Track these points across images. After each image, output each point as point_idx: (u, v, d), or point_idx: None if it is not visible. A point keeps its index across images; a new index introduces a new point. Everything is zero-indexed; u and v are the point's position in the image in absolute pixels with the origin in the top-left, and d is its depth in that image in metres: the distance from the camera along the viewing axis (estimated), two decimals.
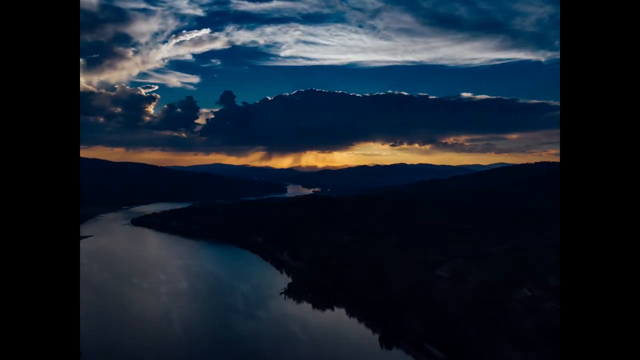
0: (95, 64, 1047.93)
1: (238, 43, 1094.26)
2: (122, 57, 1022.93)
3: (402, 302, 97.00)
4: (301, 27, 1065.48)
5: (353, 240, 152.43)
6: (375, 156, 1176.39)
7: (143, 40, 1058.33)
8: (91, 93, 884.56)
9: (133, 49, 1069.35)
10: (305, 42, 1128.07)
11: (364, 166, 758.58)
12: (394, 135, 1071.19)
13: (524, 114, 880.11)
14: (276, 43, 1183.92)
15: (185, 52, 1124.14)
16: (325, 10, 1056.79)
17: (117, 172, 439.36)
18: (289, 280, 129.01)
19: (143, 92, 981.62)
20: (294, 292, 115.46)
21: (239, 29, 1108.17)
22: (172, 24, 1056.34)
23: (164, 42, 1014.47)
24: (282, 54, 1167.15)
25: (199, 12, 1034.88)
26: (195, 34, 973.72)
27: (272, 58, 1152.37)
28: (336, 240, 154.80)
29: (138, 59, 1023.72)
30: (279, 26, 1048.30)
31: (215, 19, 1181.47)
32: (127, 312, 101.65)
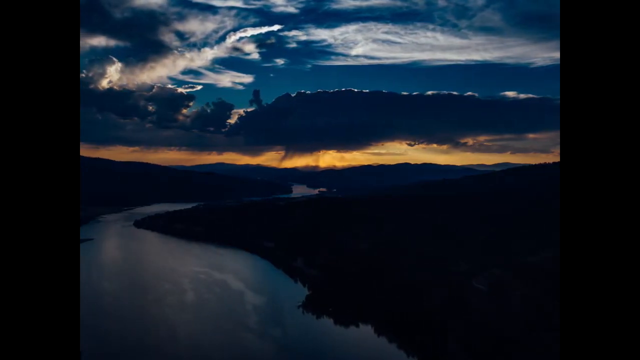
0: (138, 63, 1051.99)
1: (311, 41, 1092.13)
2: (168, 55, 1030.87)
3: (437, 319, 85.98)
4: (383, 25, 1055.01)
5: (372, 246, 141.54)
6: (396, 155, 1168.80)
7: (197, 38, 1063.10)
8: (129, 92, 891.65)
9: (180, 48, 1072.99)
10: (376, 41, 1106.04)
11: (368, 166, 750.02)
12: (416, 135, 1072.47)
13: (557, 113, 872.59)
14: (350, 42, 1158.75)
15: (246, 51, 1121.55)
16: (422, 8, 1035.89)
17: (120, 172, 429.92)
18: (305, 290, 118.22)
19: (183, 91, 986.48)
20: (312, 305, 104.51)
21: (317, 27, 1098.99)
22: (230, 22, 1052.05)
23: (219, 41, 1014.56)
24: (353, 52, 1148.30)
25: (291, 9, 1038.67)
26: (255, 31, 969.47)
27: (333, 57, 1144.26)
28: (353, 247, 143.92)
29: (187, 57, 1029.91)
30: (366, 24, 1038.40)
31: (300, 17, 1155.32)
32: (127, 328, 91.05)
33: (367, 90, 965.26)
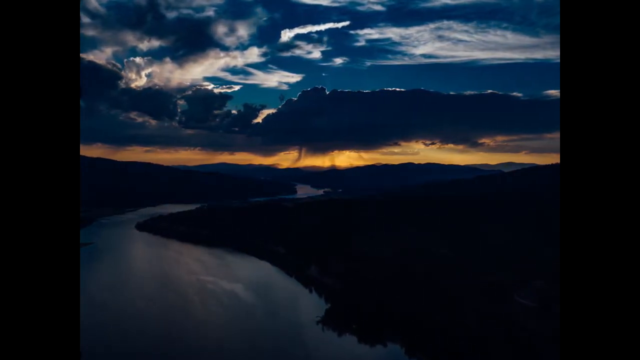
0: (179, 63, 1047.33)
1: (379, 40, 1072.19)
2: (211, 54, 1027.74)
3: (479, 342, 75.78)
4: (462, 24, 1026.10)
5: (392, 252, 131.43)
6: (409, 155, 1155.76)
7: (246, 37, 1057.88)
8: (164, 92, 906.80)
9: (227, 45, 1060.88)
10: (442, 39, 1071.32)
11: (373, 166, 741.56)
12: (434, 134, 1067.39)
13: None
14: (420, 40, 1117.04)
15: (305, 49, 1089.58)
16: (512, 5, 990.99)
17: (125, 172, 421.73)
18: (322, 301, 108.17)
19: (220, 91, 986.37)
20: (332, 319, 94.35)
21: (393, 25, 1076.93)
22: (287, 19, 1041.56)
23: (273, 38, 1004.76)
24: (419, 51, 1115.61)
25: (378, 7, 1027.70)
26: (314, 28, 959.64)
27: (391, 56, 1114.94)
28: (371, 252, 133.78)
29: (231, 55, 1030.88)
30: (448, 22, 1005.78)
31: (381, 15, 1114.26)
32: (129, 344, 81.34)
33: (402, 89, 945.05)
